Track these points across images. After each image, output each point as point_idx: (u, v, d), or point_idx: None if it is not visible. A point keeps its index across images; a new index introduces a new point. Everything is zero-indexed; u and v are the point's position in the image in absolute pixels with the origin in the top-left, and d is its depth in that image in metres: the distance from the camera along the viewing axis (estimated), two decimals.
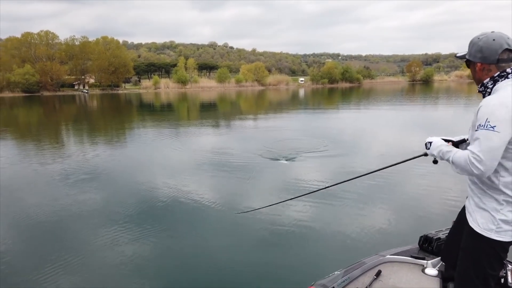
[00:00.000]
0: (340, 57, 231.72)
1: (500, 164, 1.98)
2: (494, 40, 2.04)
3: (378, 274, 2.95)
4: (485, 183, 2.08)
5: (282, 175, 9.25)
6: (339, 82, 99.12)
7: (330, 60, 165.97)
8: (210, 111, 34.05)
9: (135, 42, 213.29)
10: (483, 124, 1.93)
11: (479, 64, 2.11)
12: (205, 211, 6.92)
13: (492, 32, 2.09)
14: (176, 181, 9.07)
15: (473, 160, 1.94)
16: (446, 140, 2.34)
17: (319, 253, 5.05)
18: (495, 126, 1.89)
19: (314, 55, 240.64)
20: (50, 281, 4.62)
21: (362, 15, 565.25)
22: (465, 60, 2.23)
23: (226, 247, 5.41)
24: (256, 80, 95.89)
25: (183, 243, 5.68)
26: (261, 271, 4.61)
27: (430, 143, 2.30)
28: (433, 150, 2.24)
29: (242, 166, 10.42)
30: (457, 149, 2.14)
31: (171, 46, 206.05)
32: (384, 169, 3.21)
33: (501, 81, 2.04)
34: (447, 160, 2.13)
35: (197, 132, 18.40)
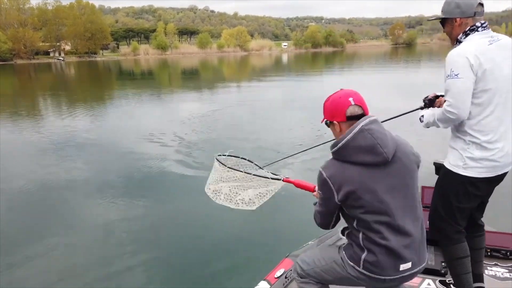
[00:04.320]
0: (323, 21, 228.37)
1: (472, 106, 2.16)
2: None
3: None
4: (456, 127, 2.28)
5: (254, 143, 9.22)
6: (322, 46, 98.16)
7: (313, 23, 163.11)
8: (193, 79, 33.45)
9: (112, 6, 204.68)
10: (449, 74, 2.13)
11: (458, 19, 2.22)
12: (188, 182, 6.85)
13: None
14: (161, 151, 8.90)
15: (447, 108, 2.16)
16: (439, 96, 2.49)
17: (293, 224, 4.98)
18: (458, 74, 2.10)
19: (297, 18, 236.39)
20: (36, 250, 4.52)
21: None
22: (440, 20, 2.34)
23: (200, 221, 5.33)
24: (239, 45, 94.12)
25: (164, 211, 5.63)
26: (235, 247, 4.51)
27: (423, 116, 2.47)
28: (426, 121, 2.44)
29: (225, 136, 10.34)
30: (436, 108, 2.37)
31: (149, 10, 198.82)
32: None
33: (472, 34, 2.20)
34: (434, 122, 2.33)
35: (180, 100, 18.10)
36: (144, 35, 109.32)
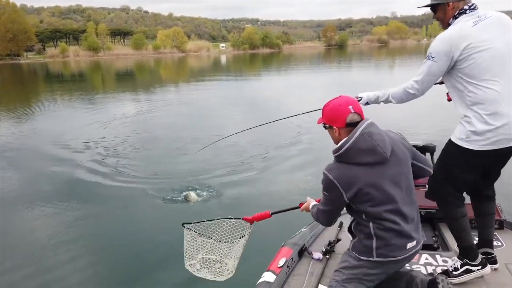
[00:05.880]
0: (259, 22, 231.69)
1: (467, 84, 2.21)
2: None
3: (341, 225, 3.06)
4: (461, 103, 2.29)
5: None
6: (260, 47, 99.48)
7: (249, 25, 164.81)
8: (128, 81, 32.16)
9: (35, 5, 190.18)
10: (428, 54, 2.26)
11: (451, 4, 2.24)
12: (131, 190, 6.44)
13: None
14: (96, 157, 8.37)
15: (413, 83, 2.33)
16: None
17: (282, 214, 4.97)
18: (434, 57, 2.22)
19: (233, 20, 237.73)
20: None
21: None
22: (430, 8, 2.36)
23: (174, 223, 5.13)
24: (176, 46, 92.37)
25: (105, 222, 5.33)
26: None
27: (361, 98, 2.61)
28: (365, 100, 2.60)
29: (163, 137, 10.01)
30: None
31: (78, 10, 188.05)
32: None
33: (459, 17, 2.24)
34: (385, 98, 2.50)
35: (113, 103, 17.17)
36: (73, 36, 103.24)
